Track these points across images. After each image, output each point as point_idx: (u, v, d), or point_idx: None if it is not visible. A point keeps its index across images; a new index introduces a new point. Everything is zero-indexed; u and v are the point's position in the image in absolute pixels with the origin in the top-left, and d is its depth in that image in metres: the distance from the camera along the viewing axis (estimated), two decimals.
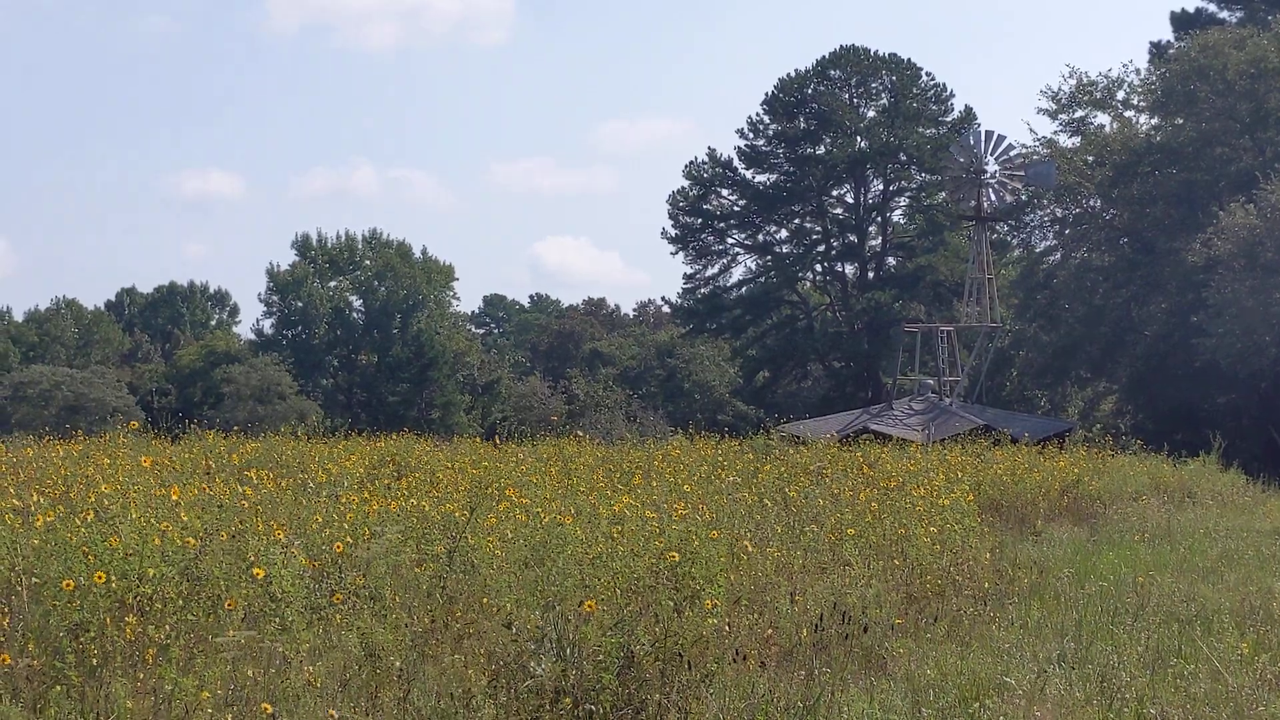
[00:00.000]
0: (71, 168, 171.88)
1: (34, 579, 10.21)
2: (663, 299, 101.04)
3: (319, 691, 9.28)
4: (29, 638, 9.68)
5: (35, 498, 12.53)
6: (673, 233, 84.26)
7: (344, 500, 16.03)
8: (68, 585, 9.71)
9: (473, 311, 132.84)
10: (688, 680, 10.01)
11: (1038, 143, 64.47)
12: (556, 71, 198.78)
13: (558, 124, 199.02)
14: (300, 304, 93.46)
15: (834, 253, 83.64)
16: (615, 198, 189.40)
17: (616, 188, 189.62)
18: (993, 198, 57.55)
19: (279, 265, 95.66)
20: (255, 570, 10.30)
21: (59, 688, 8.95)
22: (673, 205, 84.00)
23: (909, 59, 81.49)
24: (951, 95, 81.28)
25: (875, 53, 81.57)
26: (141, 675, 9.25)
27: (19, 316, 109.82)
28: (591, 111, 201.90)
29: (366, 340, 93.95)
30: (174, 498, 11.85)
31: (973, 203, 57.52)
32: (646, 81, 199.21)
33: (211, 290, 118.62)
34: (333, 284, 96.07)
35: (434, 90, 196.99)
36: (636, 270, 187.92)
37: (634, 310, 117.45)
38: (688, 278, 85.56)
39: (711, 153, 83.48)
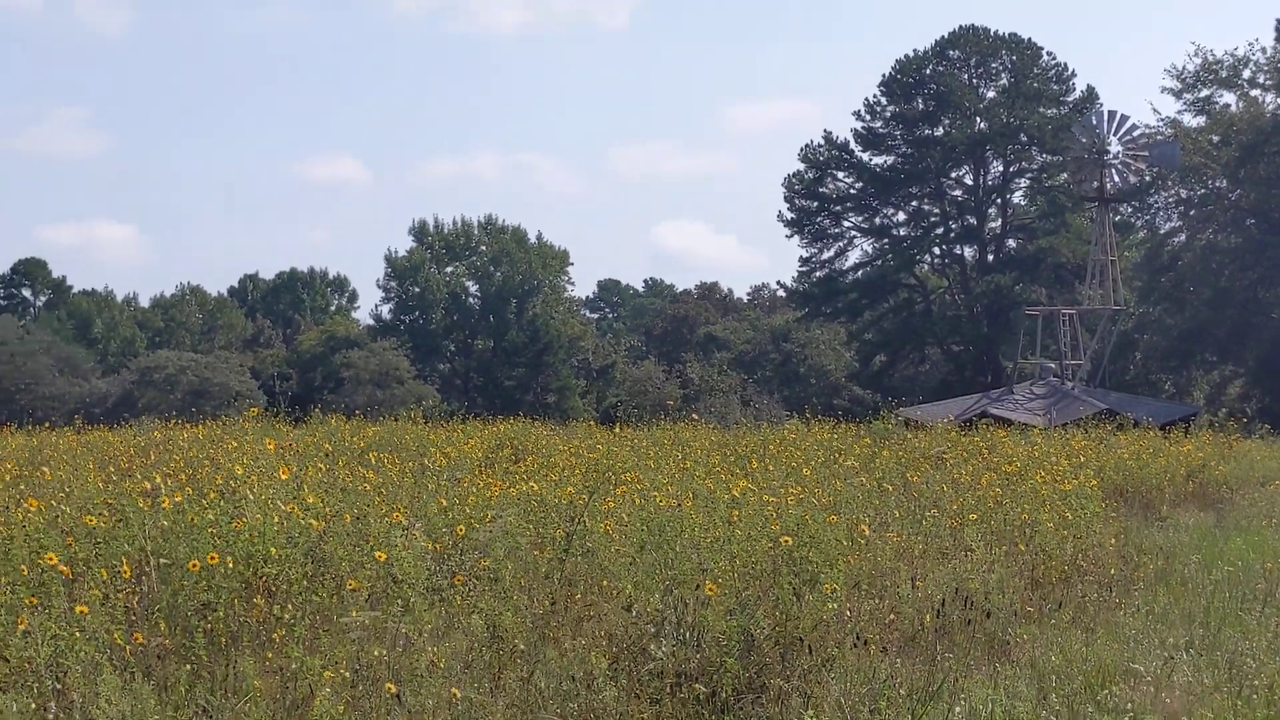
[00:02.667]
0: (199, 156, 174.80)
1: (163, 560, 10.37)
2: (778, 283, 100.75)
3: (442, 672, 9.33)
4: (159, 617, 9.83)
5: (163, 480, 12.75)
6: (788, 216, 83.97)
7: (463, 484, 16.14)
8: (194, 566, 9.86)
9: (587, 296, 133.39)
10: (809, 665, 9.96)
11: (1162, 123, 63.44)
12: (680, 54, 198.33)
13: (680, 107, 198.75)
14: (418, 289, 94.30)
15: (953, 235, 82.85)
16: (735, 181, 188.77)
17: (737, 171, 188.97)
18: (1116, 179, 56.64)
19: (397, 251, 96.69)
20: (378, 553, 10.38)
21: (188, 666, 9.08)
22: (788, 189, 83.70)
23: (1029, 38, 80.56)
24: (1073, 75, 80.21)
25: (995, 32, 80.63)
26: (268, 654, 9.37)
27: (146, 303, 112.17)
28: (714, 94, 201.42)
29: (483, 325, 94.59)
30: (283, 476, 11.96)
31: (1095, 184, 56.65)
32: (769, 63, 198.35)
33: (331, 276, 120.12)
34: (449, 269, 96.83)
35: (558, 74, 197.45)
36: (753, 254, 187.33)
37: (748, 294, 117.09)
38: (803, 261, 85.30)
39: (828, 135, 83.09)
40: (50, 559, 9.33)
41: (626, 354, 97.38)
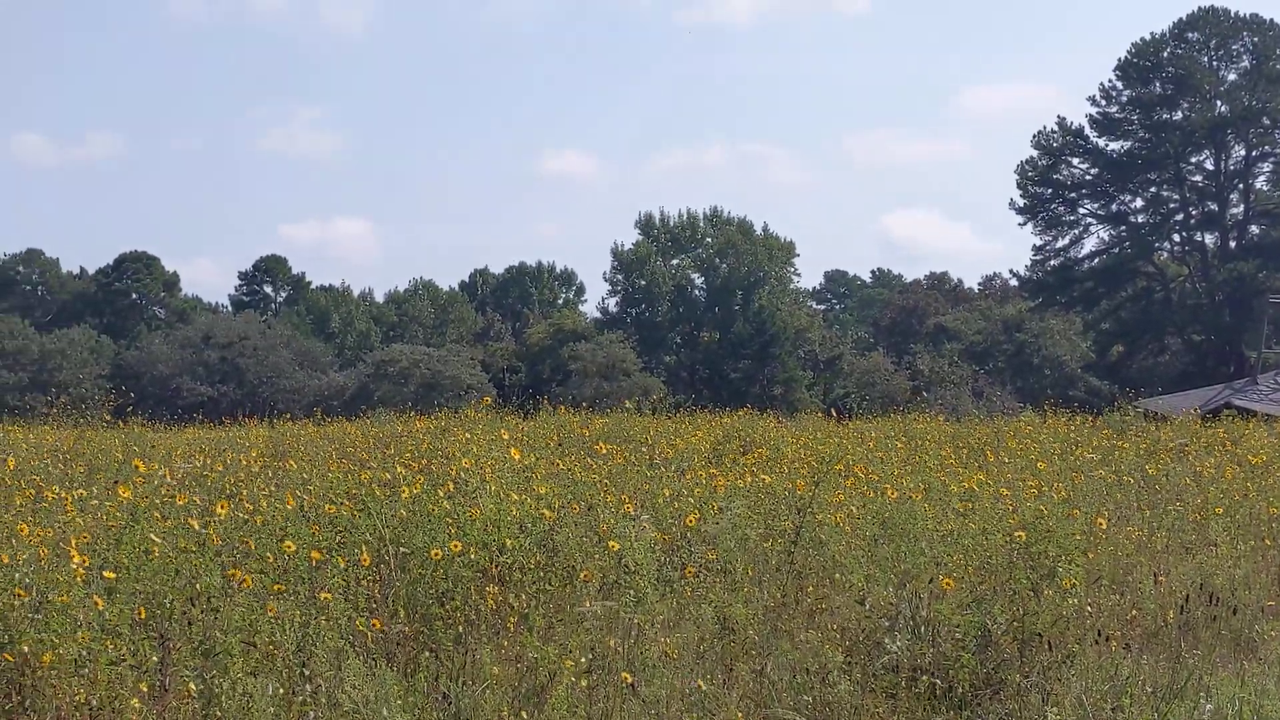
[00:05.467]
0: (432, 152, 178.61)
1: (401, 549, 10.60)
2: (1010, 271, 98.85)
3: (675, 662, 9.36)
4: (398, 604, 10.05)
5: (401, 471, 13.04)
6: (1021, 203, 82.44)
7: (691, 475, 16.17)
8: (435, 554, 10.06)
9: (814, 287, 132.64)
10: (1048, 661, 9.75)
11: None
12: (916, 38, 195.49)
13: (913, 93, 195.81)
14: (644, 282, 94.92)
15: (1193, 222, 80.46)
16: (968, 168, 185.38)
17: (970, 157, 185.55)
18: None
19: (624, 244, 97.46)
20: (610, 543, 10.46)
21: (428, 653, 9.27)
22: (1021, 175, 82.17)
23: (1271, 19, 77.78)
24: None
25: (1235, 13, 78.04)
26: (505, 643, 9.51)
27: (380, 298, 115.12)
28: (948, 79, 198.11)
29: (708, 317, 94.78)
30: (515, 456, 12.14)
31: None
32: (1004, 47, 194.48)
33: (559, 270, 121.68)
34: (675, 262, 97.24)
35: (793, 62, 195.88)
36: (986, 242, 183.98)
37: (979, 284, 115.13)
38: (1037, 249, 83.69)
39: (1061, 121, 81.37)
40: (296, 547, 9.60)
41: (854, 345, 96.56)
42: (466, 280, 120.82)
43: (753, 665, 9.77)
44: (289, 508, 11.11)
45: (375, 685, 8.30)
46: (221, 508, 10.02)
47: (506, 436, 14.46)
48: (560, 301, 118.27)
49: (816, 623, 10.88)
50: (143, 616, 8.68)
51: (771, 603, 11.10)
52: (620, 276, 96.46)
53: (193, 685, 8.14)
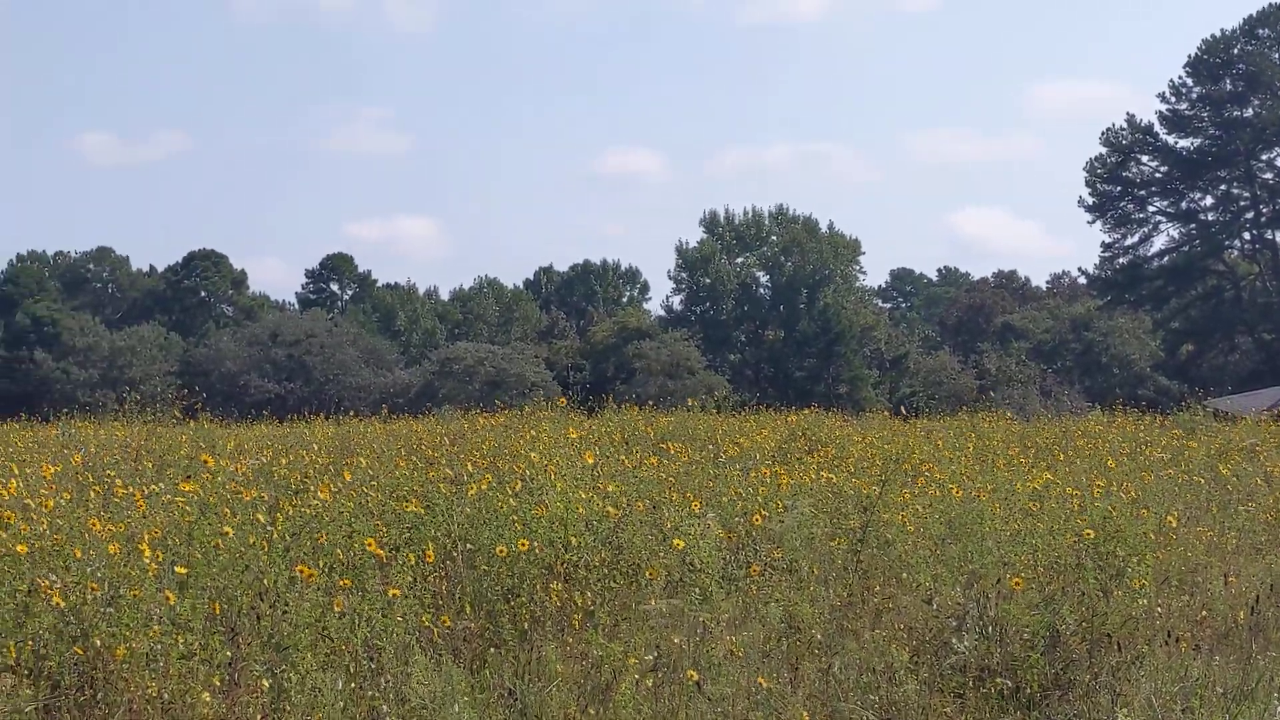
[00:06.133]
0: (496, 150, 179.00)
1: (468, 545, 10.64)
2: (1079, 270, 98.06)
3: (740, 661, 9.35)
4: (465, 601, 10.10)
5: (471, 467, 13.09)
6: (1090, 201, 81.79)
7: (756, 474, 16.15)
8: (501, 551, 10.09)
9: (879, 286, 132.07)
10: (1117, 662, 9.67)
11: None
12: (983, 35, 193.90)
13: (980, 90, 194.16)
14: (708, 280, 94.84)
15: (1264, 219, 79.55)
16: (1037, 165, 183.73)
17: (1038, 155, 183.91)
18: None
19: (688, 242, 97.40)
20: (675, 541, 10.45)
21: (494, 649, 9.30)
22: (1090, 173, 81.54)
23: None
24: None
25: None
26: (570, 640, 9.52)
27: (445, 296, 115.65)
28: (1015, 76, 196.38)
29: (773, 315, 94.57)
30: (589, 460, 12.17)
31: None
32: (1071, 43, 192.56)
33: (623, 268, 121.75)
34: (740, 260, 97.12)
35: (859, 60, 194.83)
36: (1055, 241, 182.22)
37: (1047, 282, 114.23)
38: (1105, 247, 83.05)
39: (1130, 118, 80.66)
40: (369, 544, 9.66)
41: (920, 344, 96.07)
42: (531, 278, 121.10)
43: (819, 664, 9.74)
44: (355, 504, 11.19)
45: (442, 681, 8.34)
46: (289, 504, 10.10)
47: (575, 435, 14.49)
48: (624, 299, 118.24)
49: (883, 622, 10.84)
50: (213, 611, 8.76)
51: (837, 602, 11.08)
52: (685, 274, 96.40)
53: (265, 682, 8.21)
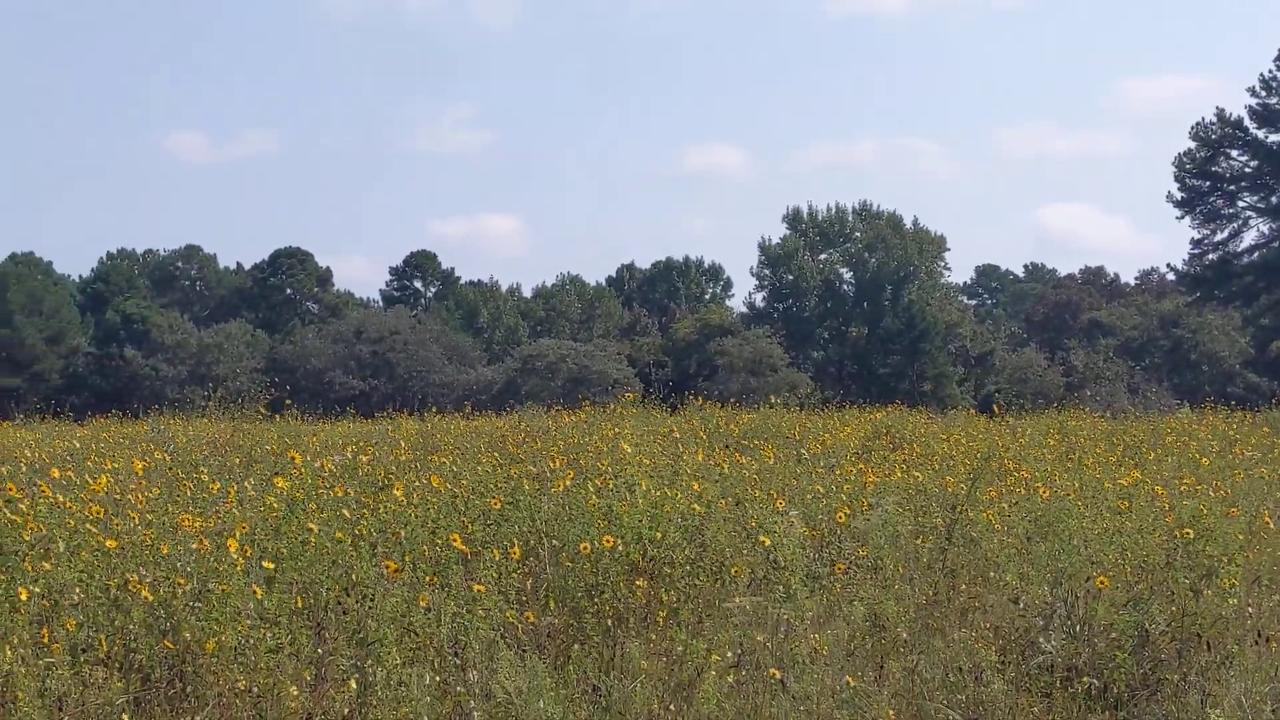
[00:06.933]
0: (580, 147, 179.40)
1: (553, 541, 10.68)
2: (1168, 265, 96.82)
3: (824, 659, 9.31)
4: (549, 597, 10.13)
5: (557, 463, 13.14)
6: (1179, 196, 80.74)
7: (840, 471, 16.09)
8: (584, 548, 10.12)
9: (965, 282, 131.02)
10: (1207, 662, 9.54)
11: None
12: (1073, 29, 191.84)
13: (1069, 85, 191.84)
14: (791, 277, 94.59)
15: None
16: (1125, 160, 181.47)
17: (1128, 150, 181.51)
18: None
19: (771, 239, 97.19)
20: (761, 538, 10.43)
21: (578, 646, 9.32)
22: (1179, 168, 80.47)
23: None
24: None
25: None
26: (653, 636, 9.53)
27: (528, 293, 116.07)
28: (1103, 70, 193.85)
29: (857, 312, 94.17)
30: (699, 458, 12.19)
31: None
32: (1161, 37, 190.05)
33: (706, 264, 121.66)
34: (823, 256, 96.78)
35: (946, 54, 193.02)
36: (1143, 237, 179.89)
37: (1135, 279, 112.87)
38: (1194, 243, 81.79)
39: (1220, 112, 79.41)
40: (454, 539, 9.72)
41: (1006, 341, 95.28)
42: (613, 275, 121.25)
43: (904, 663, 9.68)
44: (441, 500, 11.26)
45: (527, 677, 8.36)
46: (375, 499, 10.18)
47: (677, 434, 14.50)
48: (707, 296, 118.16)
49: (969, 621, 10.76)
50: (299, 605, 8.85)
51: (923, 600, 11.01)
52: (768, 271, 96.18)
53: (353, 683, 8.27)
